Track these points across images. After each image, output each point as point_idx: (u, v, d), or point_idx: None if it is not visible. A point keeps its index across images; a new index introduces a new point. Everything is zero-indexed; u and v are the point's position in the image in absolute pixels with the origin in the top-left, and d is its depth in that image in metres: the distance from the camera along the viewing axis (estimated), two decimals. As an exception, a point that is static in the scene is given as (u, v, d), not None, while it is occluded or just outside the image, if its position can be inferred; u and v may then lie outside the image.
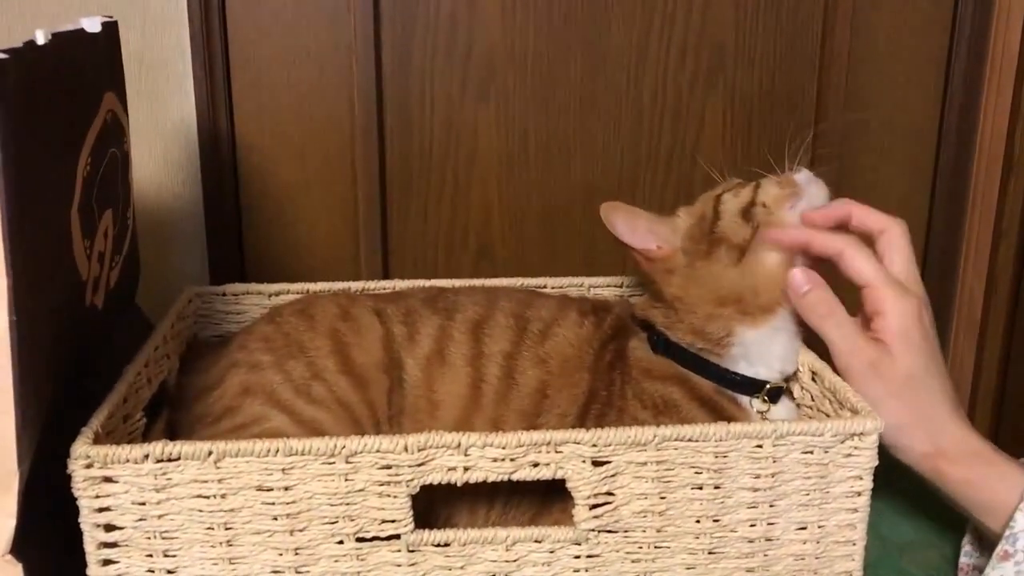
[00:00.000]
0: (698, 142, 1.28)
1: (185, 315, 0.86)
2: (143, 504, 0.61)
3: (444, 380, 0.77)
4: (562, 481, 0.64)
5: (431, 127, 1.21)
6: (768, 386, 0.75)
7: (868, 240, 0.75)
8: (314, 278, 0.93)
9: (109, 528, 0.61)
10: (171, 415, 0.78)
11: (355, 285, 0.90)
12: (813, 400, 0.73)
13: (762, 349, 0.75)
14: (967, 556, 0.76)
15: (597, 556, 0.65)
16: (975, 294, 1.39)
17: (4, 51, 0.53)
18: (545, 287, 0.92)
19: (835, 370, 0.72)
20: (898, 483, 0.86)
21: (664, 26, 1.23)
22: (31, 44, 0.61)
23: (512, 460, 0.62)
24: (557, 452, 0.62)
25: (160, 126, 1.13)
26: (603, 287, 0.94)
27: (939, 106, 1.32)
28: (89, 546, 0.61)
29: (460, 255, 1.26)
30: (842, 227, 0.76)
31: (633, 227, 0.81)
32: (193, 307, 0.88)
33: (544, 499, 0.72)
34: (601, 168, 1.27)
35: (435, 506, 0.70)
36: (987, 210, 1.35)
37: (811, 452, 0.64)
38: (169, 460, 0.60)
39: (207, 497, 0.61)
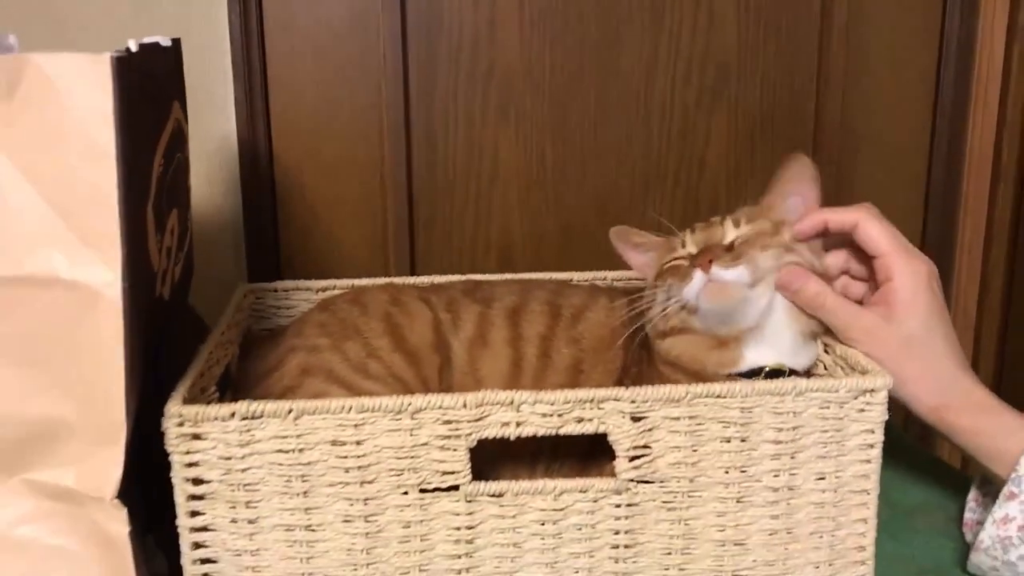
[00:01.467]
0: (704, 156, 1.37)
1: (242, 307, 0.92)
2: (228, 459, 0.67)
3: (486, 360, 0.83)
4: (601, 440, 0.70)
5: (455, 145, 1.29)
6: (766, 369, 0.78)
7: (848, 238, 0.80)
8: (348, 283, 1.00)
9: (197, 482, 0.67)
10: (234, 397, 0.84)
11: (397, 280, 0.97)
12: (826, 369, 0.80)
13: (752, 358, 0.78)
14: (971, 512, 0.82)
15: (636, 505, 0.71)
16: (969, 297, 1.47)
17: (118, 52, 0.61)
18: (571, 279, 0.99)
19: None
20: (904, 455, 0.93)
21: (671, 47, 1.31)
22: (128, 50, 0.68)
23: (559, 416, 0.68)
24: (599, 408, 0.68)
25: (203, 144, 1.21)
26: (624, 280, 1.01)
27: (930, 119, 1.41)
28: (179, 498, 0.67)
29: (482, 265, 1.33)
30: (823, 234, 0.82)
31: (629, 253, 0.89)
32: (248, 302, 0.95)
33: (583, 462, 0.78)
34: (614, 182, 1.35)
35: (482, 472, 0.76)
36: (978, 217, 1.43)
37: (827, 407, 0.70)
38: (253, 418, 0.66)
39: (286, 452, 0.67)
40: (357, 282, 0.97)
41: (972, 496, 0.82)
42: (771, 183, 0.85)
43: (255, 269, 1.24)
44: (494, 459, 0.76)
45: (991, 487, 0.81)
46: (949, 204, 1.42)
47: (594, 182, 1.34)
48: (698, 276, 0.75)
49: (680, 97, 1.33)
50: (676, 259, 0.81)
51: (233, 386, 0.85)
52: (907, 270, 0.75)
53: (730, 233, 0.80)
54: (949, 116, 1.39)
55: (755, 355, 0.77)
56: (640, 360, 0.82)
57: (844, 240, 0.81)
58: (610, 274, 1.02)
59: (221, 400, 0.80)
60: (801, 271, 0.77)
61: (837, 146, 1.38)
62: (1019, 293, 1.41)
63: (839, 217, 0.78)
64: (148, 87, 0.75)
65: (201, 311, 0.96)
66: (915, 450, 1.00)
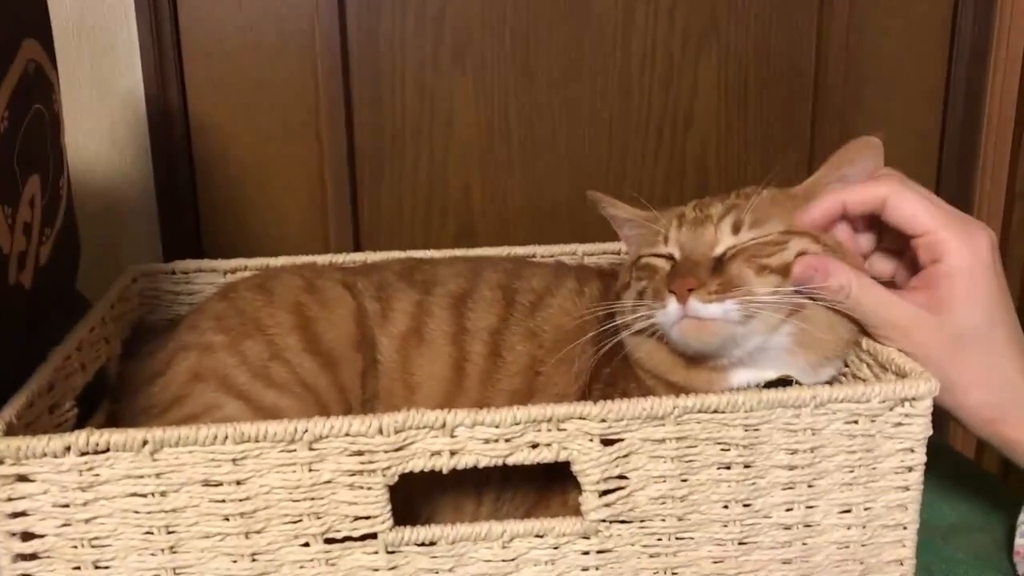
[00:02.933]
0: (691, 109, 1.21)
1: (128, 296, 0.76)
2: (66, 506, 0.51)
3: (422, 360, 0.68)
4: (564, 466, 0.54)
5: (402, 97, 1.13)
6: (765, 381, 0.62)
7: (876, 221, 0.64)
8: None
9: (26, 536, 0.51)
10: (113, 407, 0.69)
11: (321, 259, 0.80)
12: (847, 366, 0.64)
13: (743, 379, 0.61)
14: (1024, 537, 0.67)
15: (609, 551, 0.55)
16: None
17: None
18: (534, 256, 0.82)
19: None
20: (933, 460, 0.77)
21: (652, -16, 1.15)
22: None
23: (507, 441, 0.52)
24: (560, 430, 0.53)
25: (104, 100, 1.04)
26: (598, 254, 0.84)
27: (945, 68, 1.25)
28: (3, 559, 0.51)
29: (438, 235, 1.17)
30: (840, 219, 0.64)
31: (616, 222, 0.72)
32: (138, 287, 0.79)
33: (541, 490, 0.63)
34: (588, 139, 1.19)
35: (413, 505, 0.60)
36: (999, 173, 1.28)
37: (855, 422, 0.55)
38: (96, 452, 0.50)
39: (144, 496, 0.51)
40: (273, 261, 0.80)
41: (1025, 517, 0.67)
42: (824, 165, 0.66)
43: (171, 248, 1.08)
44: (428, 489, 0.61)
45: (1049, 507, 0.66)
46: (966, 163, 1.27)
47: (565, 140, 1.18)
48: (673, 306, 0.58)
49: (663, 41, 1.17)
50: (654, 256, 0.64)
51: (113, 393, 0.69)
52: (964, 247, 0.58)
53: (725, 240, 0.62)
54: (967, 64, 1.23)
55: (746, 376, 0.61)
56: (612, 358, 0.66)
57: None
58: (581, 247, 0.85)
59: (90, 416, 0.63)
60: (818, 259, 0.60)
61: (839, 98, 1.23)
62: (1044, 259, 1.26)
63: (861, 195, 0.61)
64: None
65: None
66: (947, 454, 0.84)
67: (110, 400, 0.69)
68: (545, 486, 0.62)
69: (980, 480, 0.80)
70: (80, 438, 0.50)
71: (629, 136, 1.19)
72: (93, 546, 0.52)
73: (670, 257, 0.63)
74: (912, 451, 0.56)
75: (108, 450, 0.50)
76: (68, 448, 0.50)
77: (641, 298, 0.62)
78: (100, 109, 1.04)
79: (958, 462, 0.85)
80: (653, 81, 1.19)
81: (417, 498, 0.61)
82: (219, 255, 0.98)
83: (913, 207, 0.60)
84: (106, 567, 0.52)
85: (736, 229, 0.62)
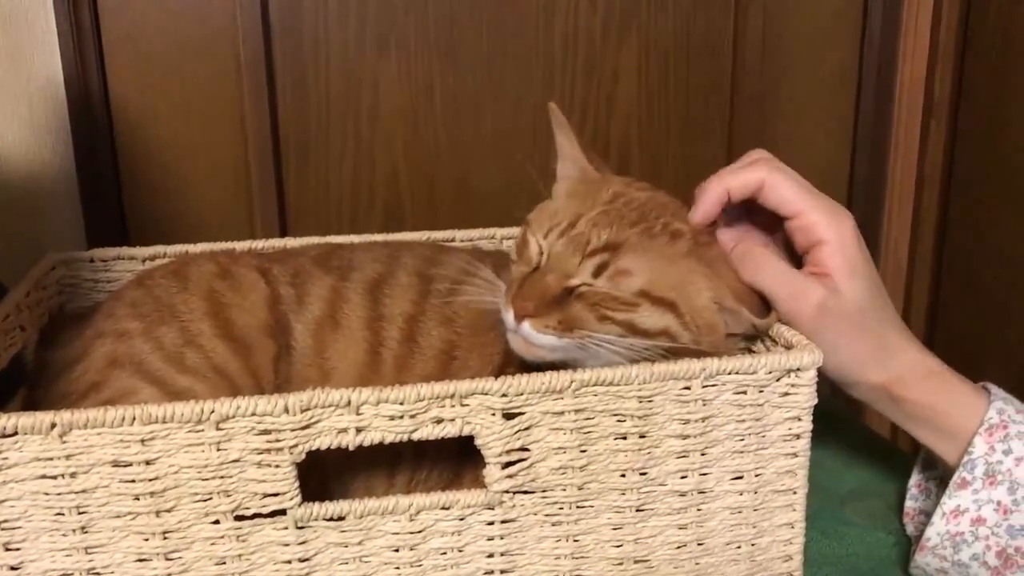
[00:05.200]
0: (613, 94, 1.23)
1: (46, 283, 0.76)
2: (-26, 490, 0.52)
3: (337, 346, 0.69)
4: (471, 441, 0.56)
5: (327, 81, 1.13)
6: None
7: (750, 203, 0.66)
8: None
9: (-64, 520, 0.52)
10: (30, 394, 0.69)
11: (240, 245, 0.81)
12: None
13: None
14: (913, 500, 0.71)
15: (513, 521, 0.57)
16: (900, 244, 1.37)
17: None
18: (453, 240, 0.84)
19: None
20: (836, 434, 0.81)
21: (573, -31, 1.17)
22: None
23: (412, 417, 0.54)
24: (463, 405, 0.55)
25: (23, 86, 1.03)
26: (516, 239, 0.86)
27: (858, 50, 1.29)
28: (-89, 543, 0.52)
29: (366, 219, 1.18)
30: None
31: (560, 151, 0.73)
32: (57, 275, 0.78)
33: (455, 469, 0.65)
34: (512, 122, 1.20)
35: (326, 486, 0.62)
36: (909, 157, 1.32)
37: (744, 392, 0.58)
38: (4, 436, 0.51)
39: (53, 477, 0.52)
40: (192, 248, 0.80)
41: (914, 481, 0.71)
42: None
43: (96, 235, 1.07)
44: (340, 470, 0.62)
45: (936, 471, 0.70)
46: (878, 144, 1.31)
47: (491, 123, 1.20)
48: (510, 318, 0.60)
49: (585, 26, 1.19)
50: (533, 238, 0.65)
51: (31, 381, 0.70)
52: (832, 228, 0.62)
53: (582, 276, 0.61)
54: (878, 46, 1.28)
55: None
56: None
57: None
58: (500, 231, 0.87)
59: (2, 407, 0.64)
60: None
61: (757, 82, 1.26)
62: (953, 238, 1.31)
63: (742, 179, 0.63)
64: None
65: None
66: (844, 422, 0.88)
67: (27, 388, 0.69)
68: (458, 465, 0.64)
69: (881, 450, 0.84)
70: (-14, 422, 0.50)
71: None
72: (3, 528, 0.52)
73: (540, 252, 0.64)
74: (799, 419, 0.59)
75: (16, 433, 0.51)
76: (-25, 432, 0.51)
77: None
78: (19, 96, 1.03)
79: (861, 434, 0.89)
80: (576, 66, 1.21)
81: (331, 482, 0.63)
82: (144, 242, 0.99)
83: (786, 189, 0.62)
84: (17, 548, 0.53)
85: (598, 273, 0.61)
